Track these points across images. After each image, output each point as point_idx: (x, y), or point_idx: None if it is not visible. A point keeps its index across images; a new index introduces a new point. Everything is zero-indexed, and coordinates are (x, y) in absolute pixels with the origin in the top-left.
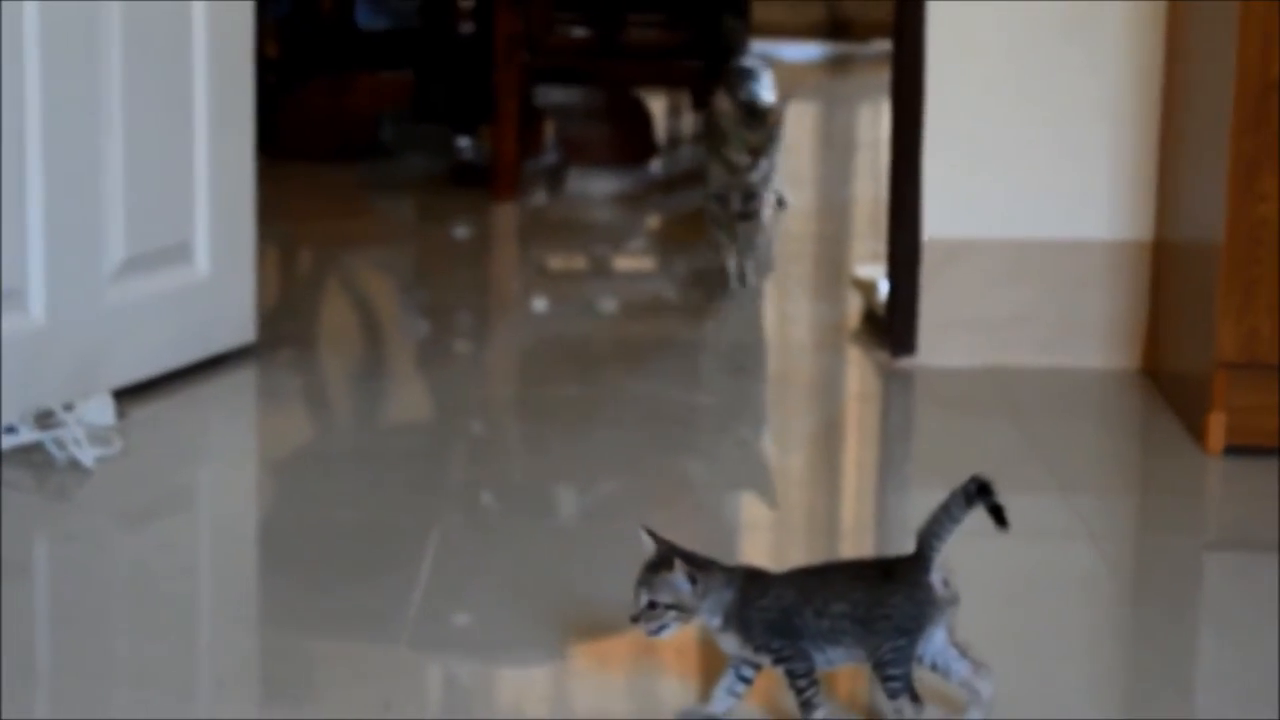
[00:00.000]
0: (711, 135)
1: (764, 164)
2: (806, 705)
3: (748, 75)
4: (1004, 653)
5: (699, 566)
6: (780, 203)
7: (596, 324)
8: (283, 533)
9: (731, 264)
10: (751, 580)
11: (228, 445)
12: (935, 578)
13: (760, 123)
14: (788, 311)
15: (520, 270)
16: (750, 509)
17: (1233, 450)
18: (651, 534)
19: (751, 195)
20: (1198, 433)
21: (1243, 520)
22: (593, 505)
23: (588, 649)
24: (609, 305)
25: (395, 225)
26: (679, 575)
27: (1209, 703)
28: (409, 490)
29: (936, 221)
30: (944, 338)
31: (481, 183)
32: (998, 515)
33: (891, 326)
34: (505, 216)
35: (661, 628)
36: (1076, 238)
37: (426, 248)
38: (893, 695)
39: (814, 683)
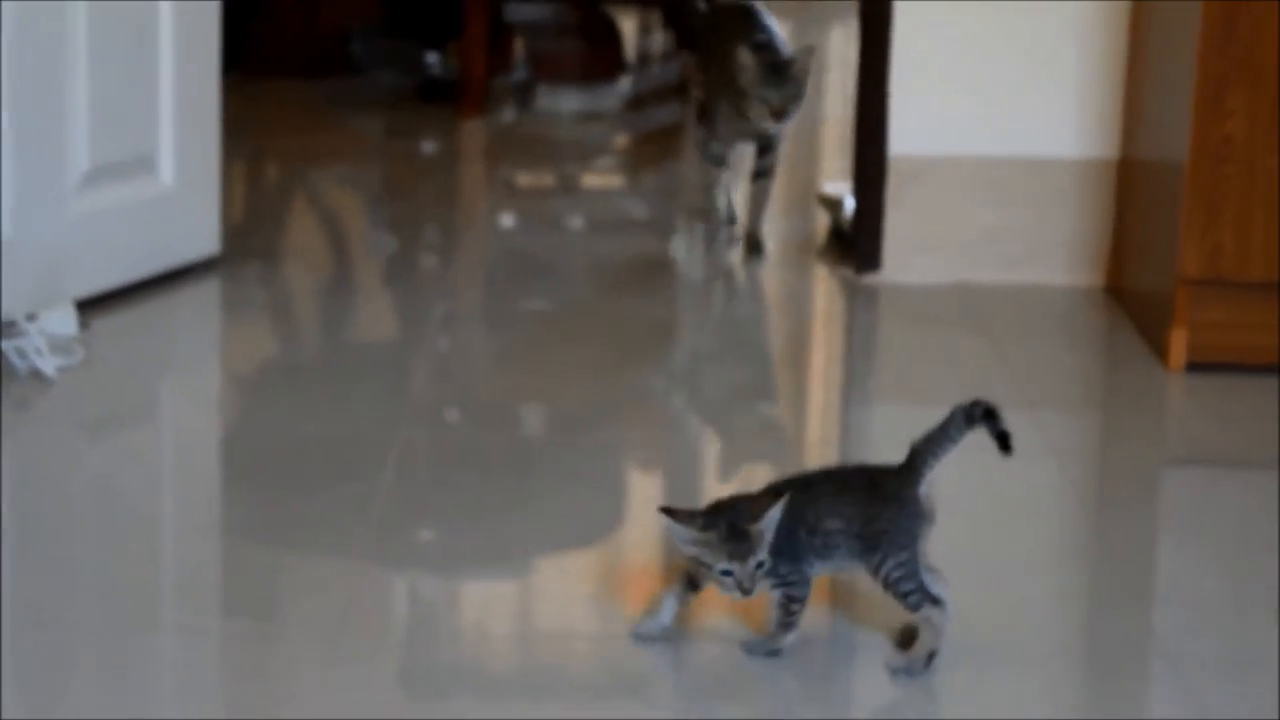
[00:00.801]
0: (725, 84)
1: (786, 123)
2: (787, 626)
3: (756, 17)
4: (967, 566)
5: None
6: None
7: (564, 240)
8: (245, 444)
9: (724, 231)
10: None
11: (191, 356)
12: (924, 492)
13: (784, 80)
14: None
15: (488, 186)
16: (716, 422)
17: (1194, 366)
18: (669, 511)
19: (768, 149)
20: (1160, 349)
21: (1203, 435)
22: (558, 419)
23: (552, 563)
24: (576, 222)
25: (363, 141)
26: (763, 530)
27: (1167, 614)
28: (373, 403)
29: (902, 139)
30: (909, 254)
31: (449, 99)
32: (1003, 441)
33: (857, 243)
34: (473, 133)
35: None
36: (1043, 155)
37: (394, 164)
38: (916, 608)
39: (804, 606)
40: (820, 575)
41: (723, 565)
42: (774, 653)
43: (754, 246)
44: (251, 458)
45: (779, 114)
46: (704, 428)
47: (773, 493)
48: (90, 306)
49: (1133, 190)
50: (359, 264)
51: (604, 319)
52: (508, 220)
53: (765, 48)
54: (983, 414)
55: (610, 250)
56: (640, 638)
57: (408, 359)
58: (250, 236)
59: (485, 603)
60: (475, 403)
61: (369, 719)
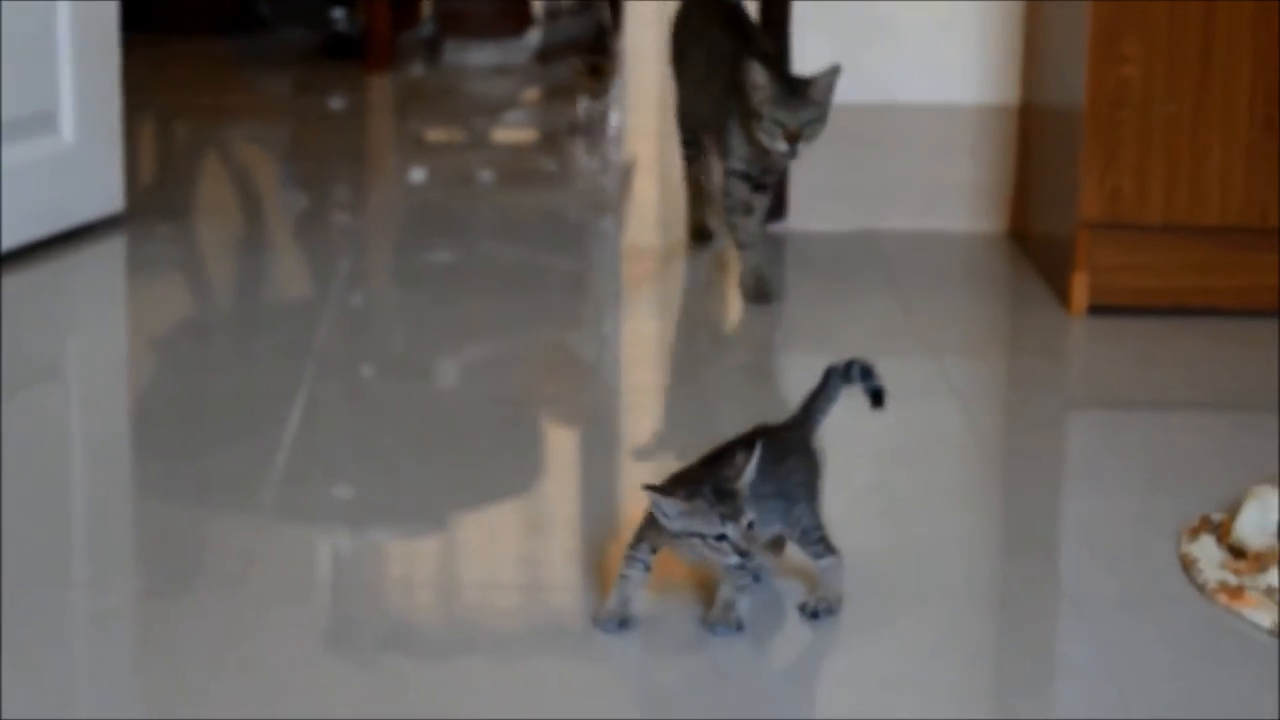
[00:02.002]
0: (738, 101)
1: (802, 148)
2: (744, 590)
3: (741, 17)
4: (872, 510)
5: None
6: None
7: (473, 194)
8: (152, 401)
9: (753, 264)
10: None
11: (96, 314)
12: (817, 445)
13: (801, 101)
14: (665, 180)
15: (397, 142)
16: (625, 374)
17: (1096, 310)
18: (654, 488)
19: (779, 174)
20: (1062, 293)
21: (1106, 378)
22: (468, 373)
23: (470, 517)
24: (486, 176)
25: (270, 98)
26: (745, 487)
27: (1071, 556)
28: (281, 359)
29: None
30: (814, 203)
31: (357, 55)
32: (876, 397)
33: None
34: (381, 89)
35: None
36: (945, 102)
37: (302, 120)
38: (824, 554)
39: (752, 567)
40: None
41: (717, 530)
42: (740, 627)
43: (764, 290)
44: (158, 415)
45: (794, 138)
46: (615, 378)
47: (714, 458)
48: None
49: (1033, 136)
50: (268, 221)
51: (515, 273)
52: (417, 175)
53: (766, 49)
54: (859, 372)
55: (520, 204)
56: (605, 625)
57: (317, 314)
58: (158, 195)
59: (405, 558)
60: (386, 357)
61: (291, 678)
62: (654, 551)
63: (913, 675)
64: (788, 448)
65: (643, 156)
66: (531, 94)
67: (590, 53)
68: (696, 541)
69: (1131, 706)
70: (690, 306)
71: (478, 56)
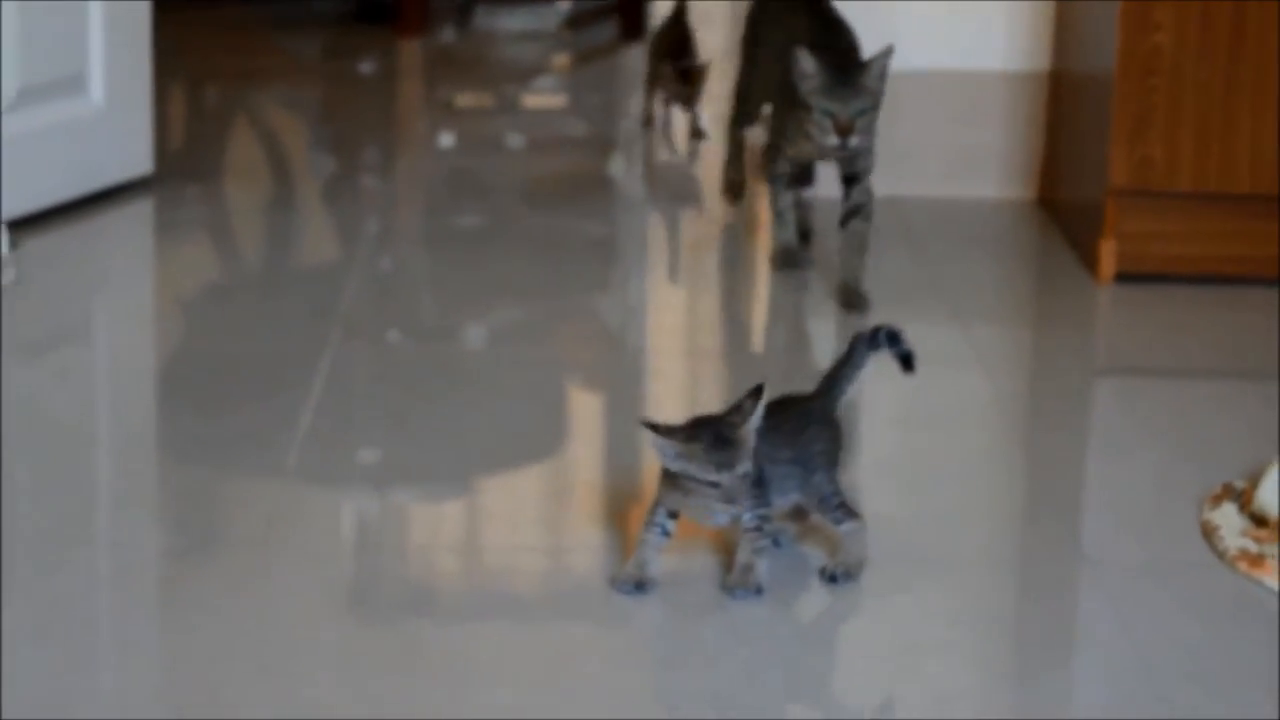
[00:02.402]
0: (786, 90)
1: (858, 140)
2: (761, 552)
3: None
4: (896, 476)
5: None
6: (698, 133)
7: (502, 159)
8: (178, 362)
9: (781, 235)
10: None
11: (123, 276)
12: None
13: (852, 90)
14: (692, 148)
15: (427, 107)
16: (649, 337)
17: (1124, 278)
18: (652, 426)
19: (853, 179)
20: (1090, 261)
21: (1132, 346)
22: (496, 336)
23: (494, 480)
24: (515, 141)
25: (301, 63)
26: (747, 436)
27: (1093, 522)
28: (308, 321)
29: None
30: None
31: (388, 19)
32: (906, 361)
33: None
34: (412, 53)
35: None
36: (975, 69)
37: (332, 85)
38: (844, 519)
39: (770, 530)
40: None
41: (710, 476)
42: (759, 590)
43: (851, 299)
44: (184, 376)
45: (845, 130)
46: (641, 340)
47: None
48: (21, 226)
49: (1064, 103)
50: (297, 184)
51: (542, 237)
52: (447, 140)
53: (830, 47)
54: (886, 337)
55: (549, 169)
56: (621, 587)
57: (344, 277)
58: (188, 158)
59: (429, 520)
60: (413, 320)
61: (312, 638)
62: (673, 516)
63: (933, 640)
64: (809, 416)
65: (677, 124)
66: (562, 60)
67: (675, 56)
68: (688, 487)
69: (1152, 672)
70: (713, 268)
71: (509, 21)
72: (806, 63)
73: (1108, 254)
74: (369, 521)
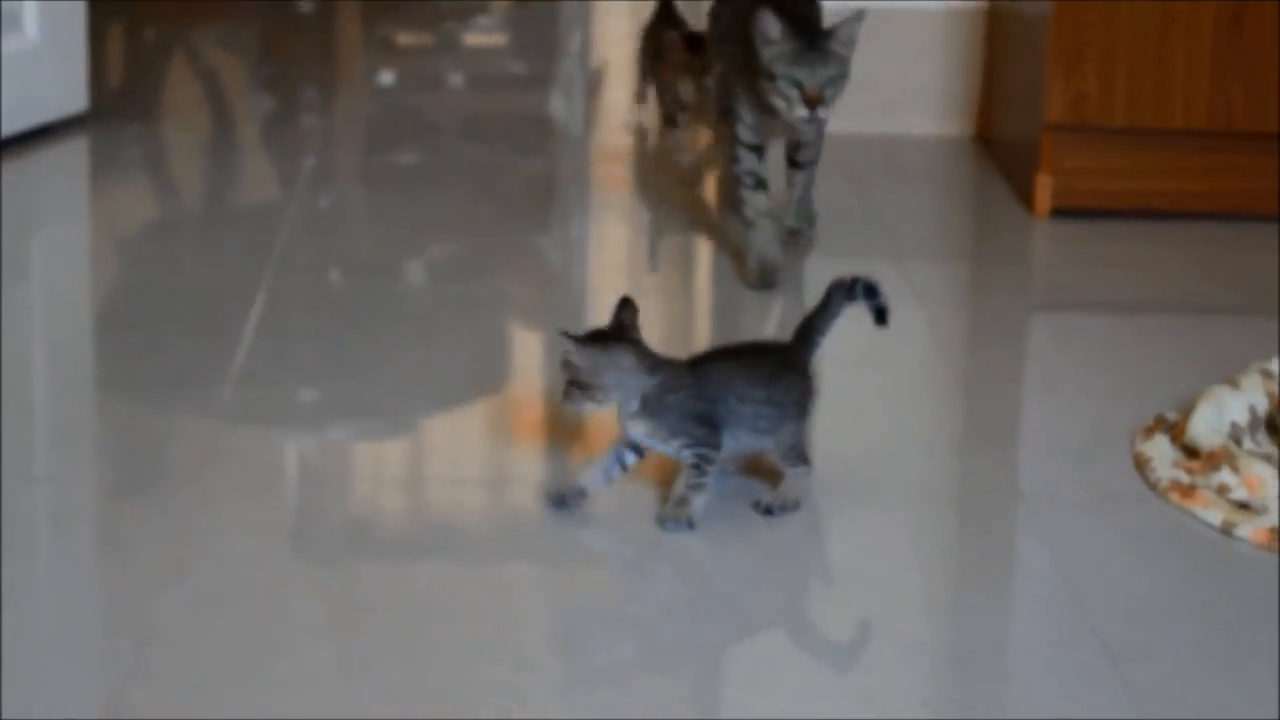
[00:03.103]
0: (741, 57)
1: (825, 114)
2: (697, 488)
3: None
4: (835, 413)
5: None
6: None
7: (442, 98)
8: (113, 300)
9: (758, 246)
10: (669, 368)
11: (59, 214)
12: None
13: (821, 56)
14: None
15: (366, 46)
16: (590, 273)
17: (1060, 212)
18: (567, 334)
19: (800, 154)
20: (1026, 196)
21: (1067, 281)
22: (435, 273)
23: (436, 417)
24: (455, 79)
25: (237, 2)
26: (628, 353)
27: (1029, 456)
28: (244, 258)
29: None
30: None
31: None
32: (879, 315)
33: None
34: None
35: (587, 402)
36: (912, 6)
37: (271, 23)
38: (796, 463)
39: (711, 470)
40: (740, 450)
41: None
42: (690, 524)
43: (762, 272)
44: (119, 314)
45: (813, 101)
46: (583, 278)
47: (670, 362)
48: None
49: (1000, 39)
50: (236, 123)
51: (483, 174)
52: (386, 78)
53: (794, 11)
54: (864, 290)
55: (488, 107)
56: (547, 501)
57: (282, 215)
58: (124, 96)
59: (368, 457)
60: (351, 257)
61: (249, 574)
62: (634, 450)
63: (869, 573)
64: (788, 365)
65: (613, 61)
66: None
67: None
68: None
69: (1084, 602)
70: (649, 205)
71: None
72: (771, 26)
73: (1043, 189)
74: (307, 458)
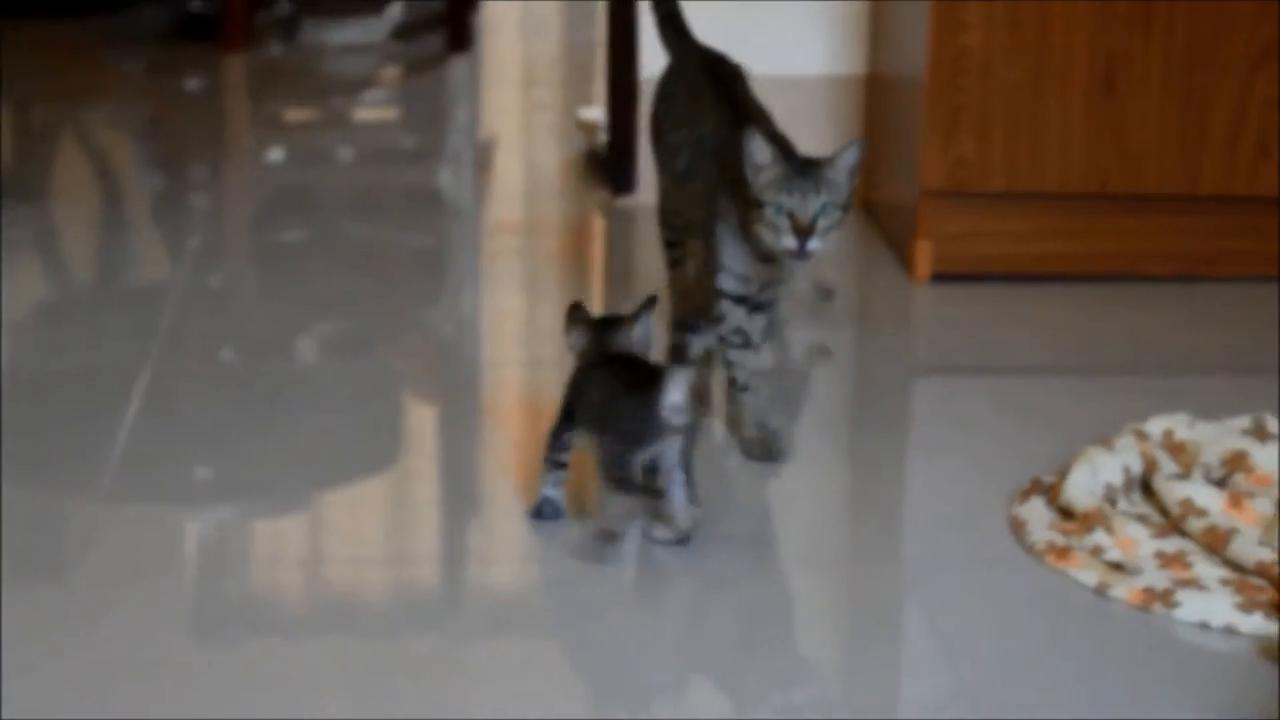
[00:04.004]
0: (730, 195)
1: (817, 246)
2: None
3: (743, 83)
4: (721, 476)
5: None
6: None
7: (332, 173)
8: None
9: (756, 413)
10: None
11: None
12: (669, 398)
13: (814, 184)
14: (524, 156)
15: (254, 122)
16: (483, 347)
17: (940, 277)
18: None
19: (766, 296)
20: (907, 261)
21: (947, 345)
22: (324, 350)
23: (331, 495)
24: (345, 154)
25: (126, 79)
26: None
27: (910, 519)
28: (133, 338)
29: (654, 61)
30: None
31: (211, 35)
32: (675, 352)
33: (612, 165)
34: (237, 69)
35: None
36: (793, 73)
37: (159, 102)
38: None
39: None
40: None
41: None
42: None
43: (757, 446)
44: (5, 395)
45: (805, 231)
46: (475, 355)
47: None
48: None
49: (879, 105)
50: (125, 202)
51: (371, 250)
52: (275, 155)
53: (738, 135)
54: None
55: (378, 181)
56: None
57: (170, 294)
58: (15, 177)
59: (260, 536)
60: (239, 335)
61: (154, 663)
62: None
63: (753, 636)
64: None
65: (504, 134)
66: (391, 72)
67: None
68: None
69: (957, 663)
70: (534, 273)
71: (335, 35)
72: (759, 149)
73: (923, 254)
74: (192, 537)
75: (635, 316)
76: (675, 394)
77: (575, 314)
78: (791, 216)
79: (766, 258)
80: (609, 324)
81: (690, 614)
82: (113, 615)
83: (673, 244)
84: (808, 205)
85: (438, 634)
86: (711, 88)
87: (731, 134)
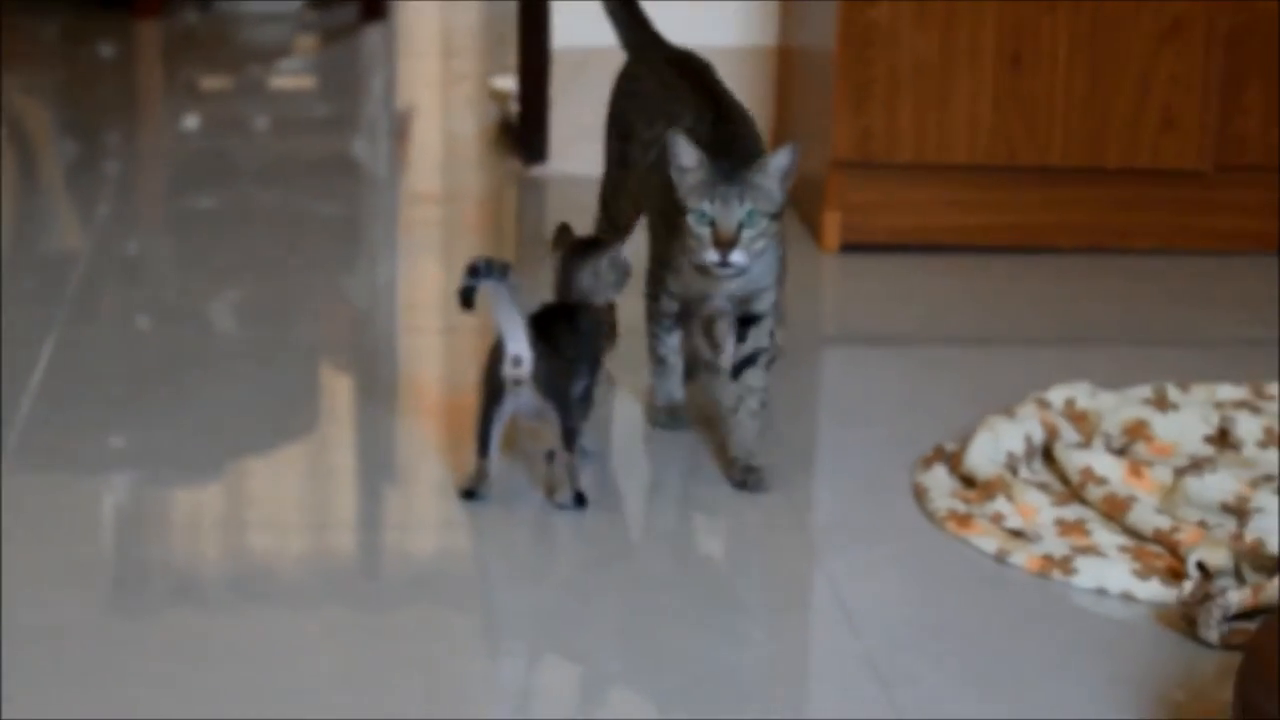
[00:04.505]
0: (660, 192)
1: (742, 259)
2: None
3: (711, 78)
4: (627, 441)
5: None
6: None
7: (246, 141)
8: None
9: (666, 387)
10: None
11: None
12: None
13: (739, 189)
14: (439, 125)
15: (168, 90)
16: (398, 315)
17: (849, 247)
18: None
19: (749, 320)
20: (816, 232)
21: (854, 315)
22: (236, 318)
23: (248, 462)
24: (260, 123)
25: (40, 47)
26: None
27: (815, 488)
28: (38, 304)
29: (565, 32)
30: (574, 145)
31: (125, 2)
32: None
33: (524, 135)
34: (152, 36)
35: None
36: (704, 44)
37: (72, 68)
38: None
39: None
40: None
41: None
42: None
43: (744, 477)
44: None
45: (726, 244)
46: (391, 323)
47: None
48: None
49: (790, 77)
50: (39, 169)
51: (287, 218)
52: (190, 122)
53: (719, 130)
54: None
55: (293, 150)
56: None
57: (83, 260)
58: None
59: (184, 504)
60: (152, 302)
61: (66, 630)
62: None
63: (655, 602)
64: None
65: (421, 103)
66: (307, 40)
67: None
68: None
69: (858, 630)
70: (445, 242)
71: (250, 4)
72: (685, 152)
73: (832, 225)
74: (103, 505)
75: (604, 248)
76: (513, 347)
77: (562, 235)
78: (713, 225)
79: (701, 269)
80: (588, 247)
81: (592, 584)
82: (23, 582)
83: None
84: (730, 213)
85: (354, 602)
86: (685, 81)
87: (714, 129)
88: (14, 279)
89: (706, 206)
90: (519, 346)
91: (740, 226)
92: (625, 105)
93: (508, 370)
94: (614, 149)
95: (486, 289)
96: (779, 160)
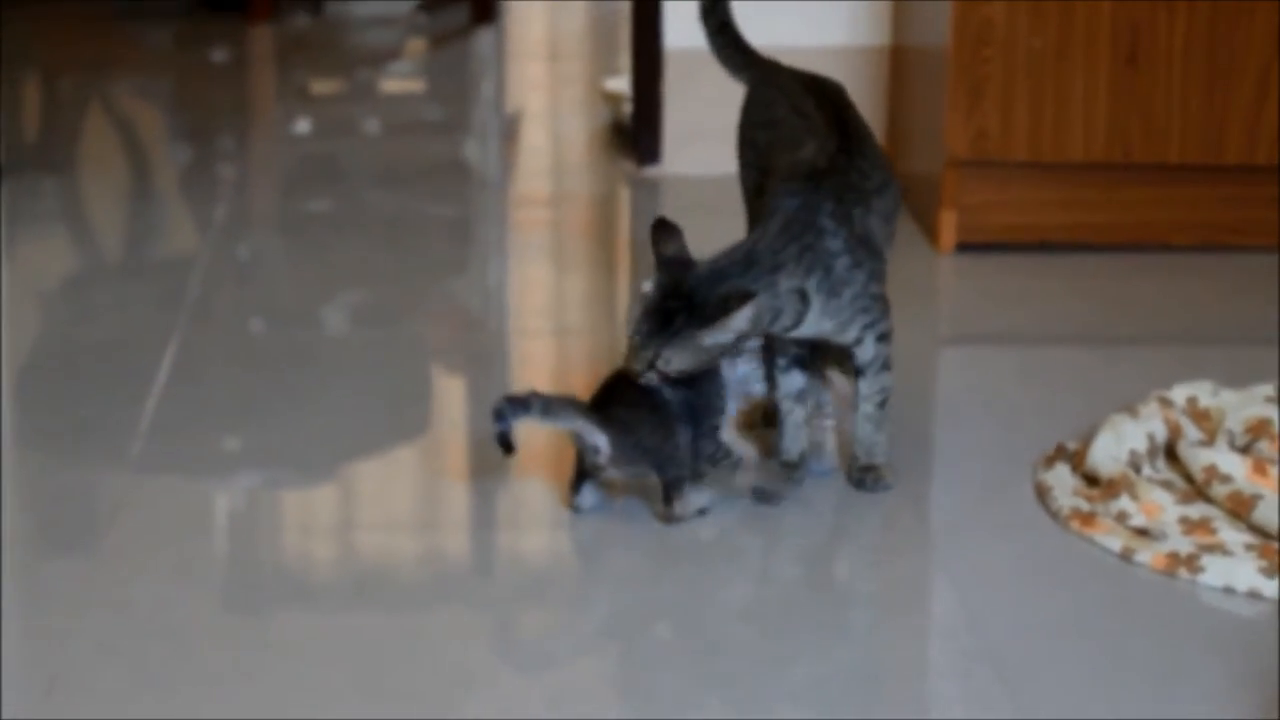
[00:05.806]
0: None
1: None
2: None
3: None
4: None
5: None
6: None
7: (358, 144)
8: (30, 354)
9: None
10: None
11: None
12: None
13: (654, 346)
14: (549, 128)
15: (280, 93)
16: (510, 317)
17: (964, 247)
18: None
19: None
20: (931, 232)
21: (972, 315)
22: (353, 320)
23: (361, 464)
24: (371, 126)
25: (153, 52)
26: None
27: (936, 487)
28: (158, 308)
29: (679, 32)
30: (688, 146)
31: (238, 6)
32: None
33: (637, 137)
34: (263, 40)
35: None
36: (817, 45)
37: (185, 73)
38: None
39: None
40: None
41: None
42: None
43: (865, 475)
44: (37, 367)
45: (648, 363)
46: (502, 326)
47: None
48: None
49: (903, 76)
50: (153, 173)
51: (398, 220)
52: (302, 126)
53: (834, 161)
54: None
55: (404, 153)
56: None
57: (199, 264)
58: (41, 148)
59: (288, 505)
60: (267, 305)
61: (184, 630)
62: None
63: (783, 602)
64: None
65: (530, 106)
66: (417, 44)
67: None
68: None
69: (980, 630)
70: (560, 245)
71: (361, 7)
72: (647, 288)
73: (947, 224)
74: (220, 506)
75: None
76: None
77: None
78: (629, 340)
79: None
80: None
81: (710, 583)
82: (142, 583)
83: None
84: (639, 359)
85: (466, 603)
86: (820, 109)
87: (831, 160)
88: (133, 284)
89: (633, 326)
90: (594, 437)
91: (642, 357)
92: (759, 135)
93: (589, 458)
94: (750, 178)
95: (523, 423)
96: (738, 321)
